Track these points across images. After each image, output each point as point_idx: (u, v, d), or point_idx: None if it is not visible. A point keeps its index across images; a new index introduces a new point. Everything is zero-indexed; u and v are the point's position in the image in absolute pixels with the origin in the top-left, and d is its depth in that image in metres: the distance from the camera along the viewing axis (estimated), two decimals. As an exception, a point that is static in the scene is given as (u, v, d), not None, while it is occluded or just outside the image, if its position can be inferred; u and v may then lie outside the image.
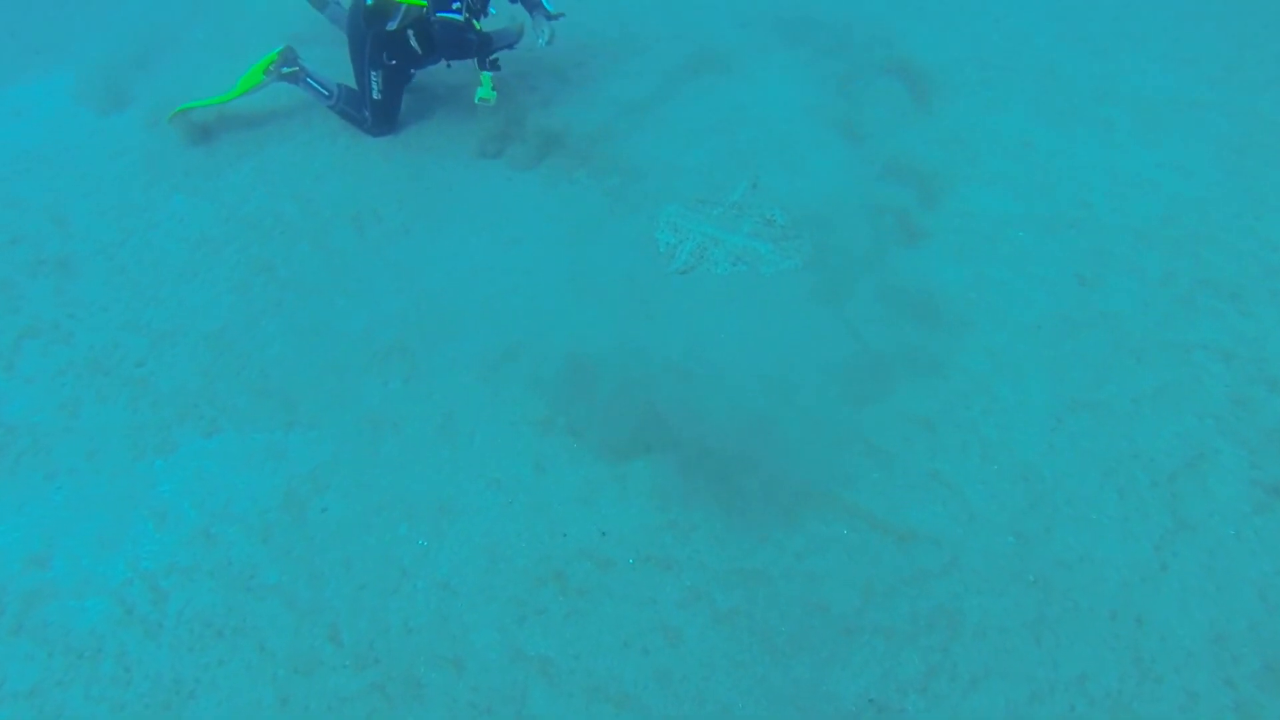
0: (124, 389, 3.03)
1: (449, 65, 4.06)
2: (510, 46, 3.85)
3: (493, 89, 3.82)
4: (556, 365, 3.01)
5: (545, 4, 3.89)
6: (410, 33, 3.81)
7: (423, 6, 3.63)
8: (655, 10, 4.91)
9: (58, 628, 2.43)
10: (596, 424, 2.83)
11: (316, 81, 3.97)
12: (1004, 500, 2.55)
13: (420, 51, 3.88)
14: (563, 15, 3.93)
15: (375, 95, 3.91)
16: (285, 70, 3.94)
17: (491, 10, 3.84)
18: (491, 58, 3.78)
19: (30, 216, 3.71)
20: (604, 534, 2.59)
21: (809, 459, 2.70)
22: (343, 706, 2.27)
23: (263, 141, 4.12)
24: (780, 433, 2.77)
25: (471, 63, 3.87)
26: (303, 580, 2.53)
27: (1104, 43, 4.38)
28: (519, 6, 3.96)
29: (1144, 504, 2.48)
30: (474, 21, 3.71)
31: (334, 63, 4.17)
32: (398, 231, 3.60)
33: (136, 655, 2.36)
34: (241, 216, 3.72)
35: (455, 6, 3.57)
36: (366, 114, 3.98)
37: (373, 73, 3.84)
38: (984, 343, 2.99)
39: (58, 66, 4.59)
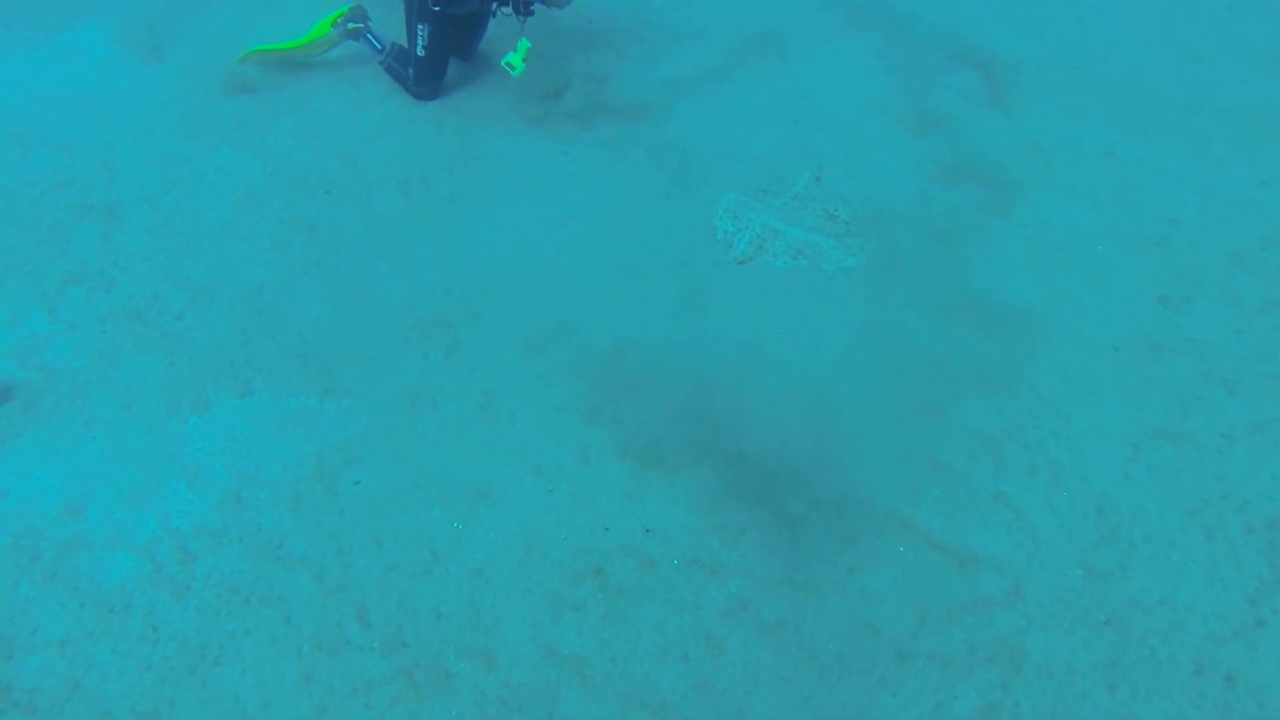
0: (162, 342, 2.95)
1: (494, 14, 3.91)
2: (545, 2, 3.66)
3: (524, 61, 3.68)
4: (604, 351, 2.89)
5: None
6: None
7: None
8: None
9: (89, 579, 2.37)
10: (645, 416, 2.70)
11: (375, 36, 3.92)
12: (1074, 530, 2.39)
13: (466, 31, 3.75)
14: None
15: (420, 52, 3.79)
16: (351, 25, 3.90)
17: None
18: (531, 5, 3.62)
19: (80, 161, 3.65)
20: (648, 531, 2.47)
21: (867, 469, 2.56)
22: (368, 690, 2.17)
23: (310, 97, 4.02)
24: (838, 439, 2.63)
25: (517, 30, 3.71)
26: (331, 555, 2.43)
27: (1198, 48, 4.12)
28: None
29: (1235, 550, 2.30)
30: None
31: (391, 24, 4.05)
32: (445, 200, 3.47)
33: (164, 616, 2.29)
34: (286, 173, 3.63)
35: None
36: (411, 71, 3.86)
37: (420, 26, 3.72)
38: (1056, 360, 2.81)
39: (103, 15, 4.50)
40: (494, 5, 3.78)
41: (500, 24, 4.07)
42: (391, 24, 4.00)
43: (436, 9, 3.65)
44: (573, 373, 2.83)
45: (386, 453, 2.69)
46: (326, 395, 2.85)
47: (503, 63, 3.71)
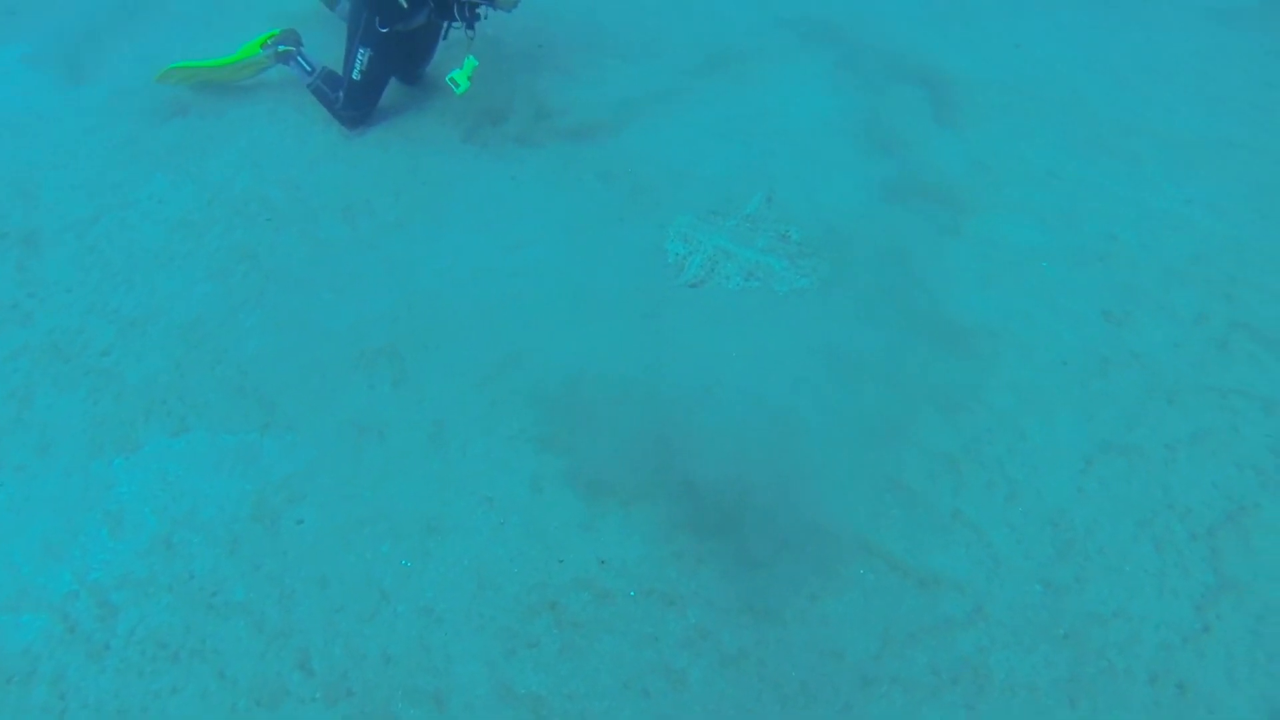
0: (85, 379, 2.79)
1: (445, 35, 3.87)
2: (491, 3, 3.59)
3: (469, 79, 3.62)
4: (557, 378, 2.82)
5: None
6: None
7: None
8: (670, 10, 4.78)
9: (-12, 646, 2.18)
10: (599, 445, 2.63)
11: (305, 60, 3.82)
12: (1031, 546, 2.39)
13: (407, 6, 3.64)
14: None
15: (355, 75, 3.68)
16: (282, 49, 3.78)
17: None
18: (476, 10, 3.56)
19: (-7, 186, 3.47)
20: (603, 563, 2.39)
21: (827, 493, 2.53)
22: (309, 745, 2.05)
23: (250, 123, 3.91)
24: (796, 464, 2.59)
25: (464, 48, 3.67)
26: (271, 600, 2.30)
27: (1128, 75, 4.29)
28: None
29: (1183, 558, 2.33)
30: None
31: (334, 48, 3.97)
32: (391, 226, 3.39)
33: (75, 680, 2.11)
34: (225, 200, 3.50)
35: None
36: (340, 95, 3.75)
37: (361, 49, 3.63)
38: (1010, 377, 2.84)
39: (20, 38, 4.34)
40: (444, 23, 3.73)
41: (446, 47, 4.04)
42: (334, 48, 3.92)
43: (384, 30, 3.57)
44: (525, 401, 2.75)
45: (331, 488, 2.57)
46: (267, 430, 2.72)
47: (447, 79, 3.64)
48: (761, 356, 2.91)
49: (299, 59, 3.81)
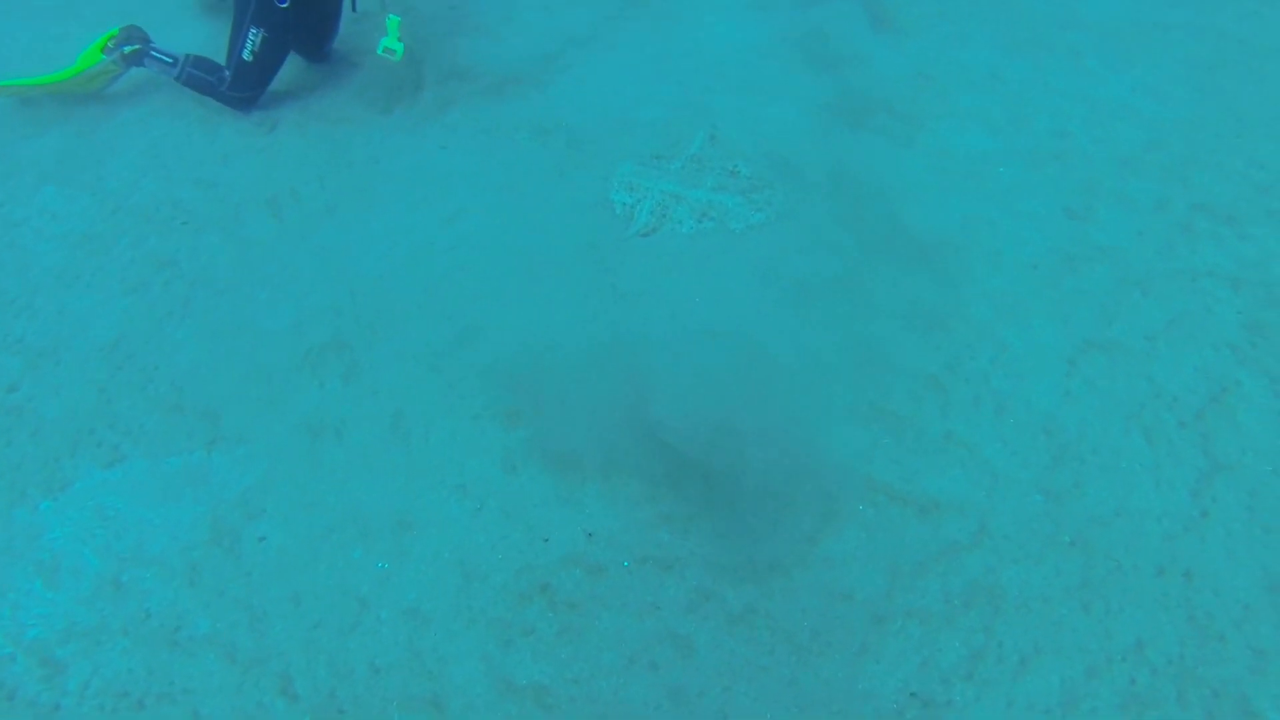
0: (-5, 420, 2.55)
1: (355, 9, 3.60)
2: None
3: (399, 39, 3.36)
4: (516, 349, 2.66)
5: None
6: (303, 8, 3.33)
7: None
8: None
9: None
10: (569, 412, 2.49)
11: (160, 53, 3.45)
12: (1026, 457, 2.33)
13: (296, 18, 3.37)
14: None
15: (245, 55, 3.36)
16: (126, 50, 3.40)
17: None
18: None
19: None
20: (591, 536, 2.27)
21: (813, 431, 2.43)
22: (304, 773, 1.91)
23: (150, 122, 3.58)
24: (777, 405, 2.49)
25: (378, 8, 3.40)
26: (242, 626, 2.13)
27: (1058, -33, 4.18)
28: None
29: (1174, 447, 2.29)
30: None
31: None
32: (321, 213, 3.15)
33: (29, 750, 1.94)
34: (132, 207, 3.21)
35: None
36: (226, 74, 3.40)
37: (253, 29, 3.31)
38: (982, 287, 2.76)
39: None
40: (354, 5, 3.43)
41: (356, 19, 3.76)
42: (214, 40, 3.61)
43: (284, 5, 3.27)
44: (485, 377, 2.59)
45: (292, 498, 2.39)
46: (214, 445, 2.52)
47: (379, 51, 3.36)
48: (726, 298, 2.78)
49: (153, 54, 3.43)
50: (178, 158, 3.44)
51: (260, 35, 3.32)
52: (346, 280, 2.91)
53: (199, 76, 3.45)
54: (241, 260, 3.02)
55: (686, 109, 3.54)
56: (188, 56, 3.45)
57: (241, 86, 3.45)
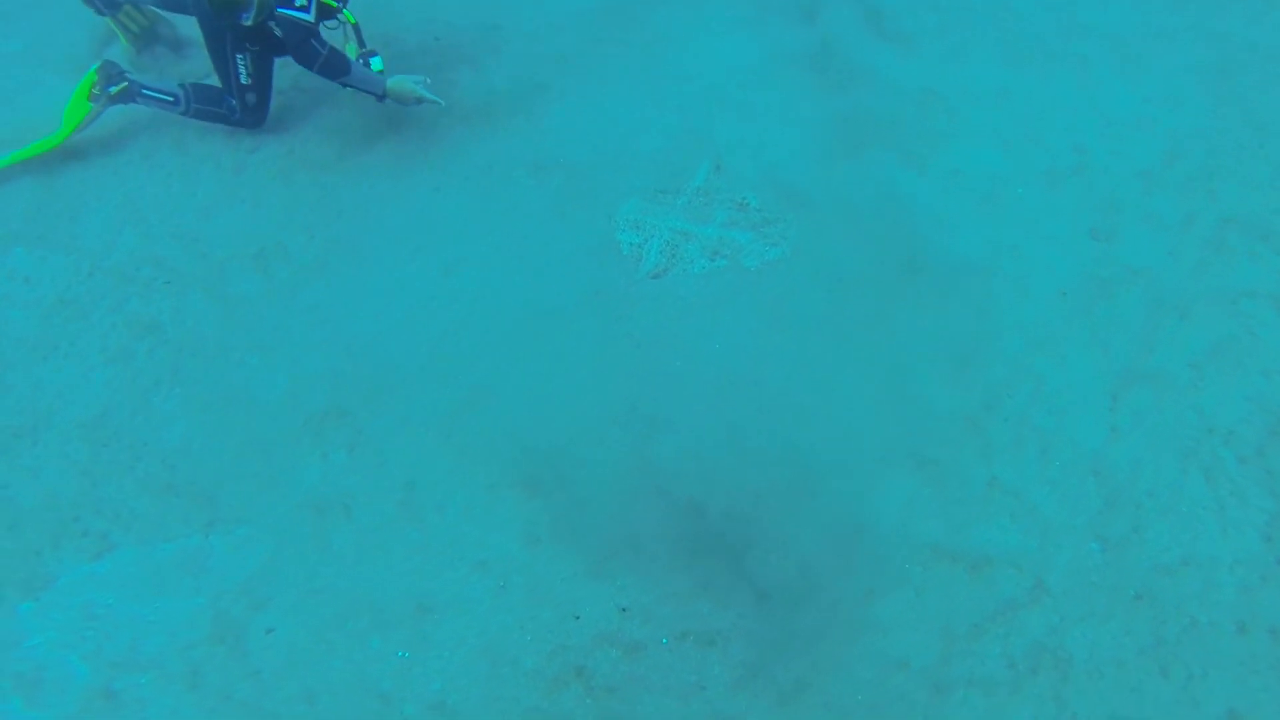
0: (-32, 514, 2.36)
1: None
2: (374, 95, 3.20)
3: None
4: (529, 410, 2.51)
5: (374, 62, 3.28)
6: (272, 24, 3.16)
7: None
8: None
9: None
10: (590, 478, 2.35)
11: (154, 90, 3.26)
12: (1077, 502, 2.22)
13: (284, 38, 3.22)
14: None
15: (243, 79, 3.20)
16: (112, 90, 3.22)
17: (343, 14, 3.19)
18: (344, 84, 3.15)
19: None
20: (624, 610, 2.13)
21: (848, 484, 2.31)
22: None
23: (124, 172, 3.39)
24: (808, 457, 2.36)
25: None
26: (253, 734, 1.97)
27: (1053, -28, 4.10)
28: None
29: (1237, 486, 2.18)
30: (323, 24, 3.10)
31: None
32: (312, 269, 2.98)
33: None
34: (109, 268, 3.03)
35: (299, 4, 2.92)
36: (233, 102, 3.27)
37: (238, 56, 3.16)
38: (1012, 318, 2.65)
39: None
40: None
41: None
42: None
43: (248, 22, 3.08)
44: (498, 443, 2.44)
45: (300, 583, 2.24)
46: (212, 528, 2.36)
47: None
48: (746, 342, 2.65)
49: (146, 92, 3.26)
50: (156, 210, 3.26)
51: (247, 57, 3.17)
52: (343, 341, 2.75)
53: (207, 110, 3.31)
54: (229, 322, 2.86)
55: (688, 137, 3.41)
56: (185, 89, 3.27)
57: (249, 110, 3.31)
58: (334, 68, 3.06)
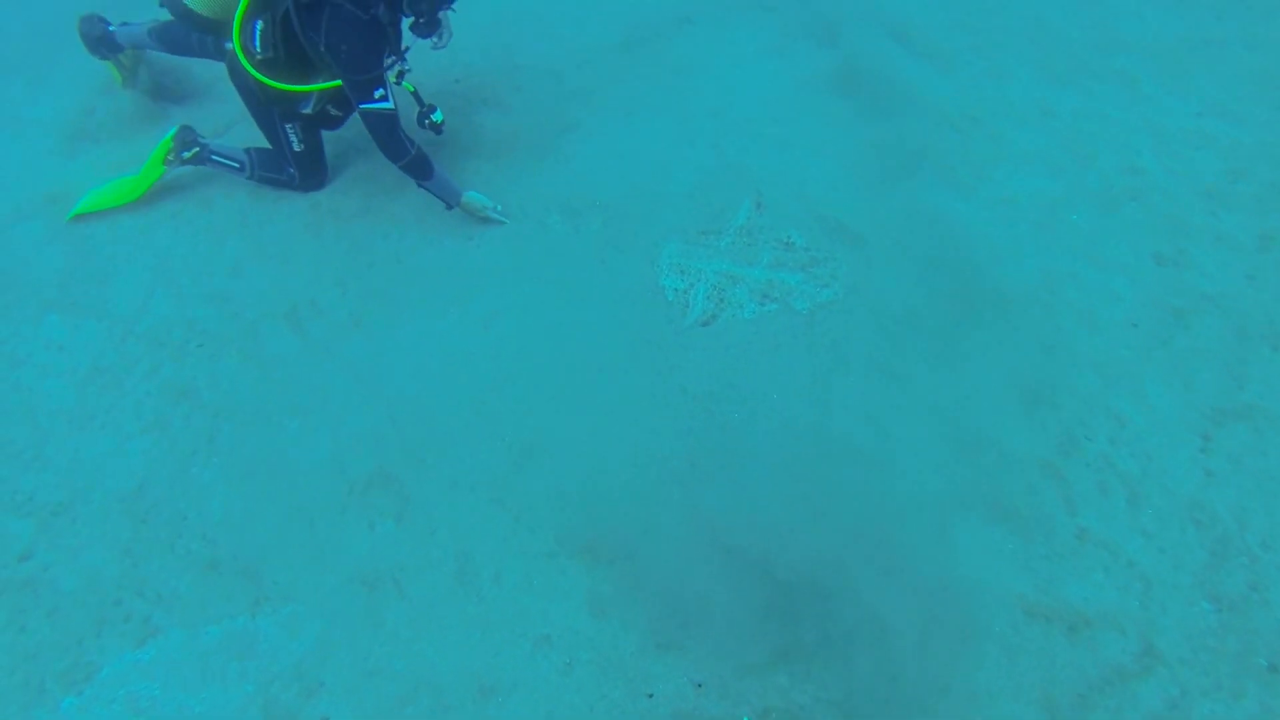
0: (2, 600, 2.26)
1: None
2: (445, 203, 3.19)
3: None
4: (584, 471, 2.40)
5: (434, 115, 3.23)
6: (329, 106, 3.16)
7: (339, 86, 2.95)
8: (583, 7, 4.29)
9: None
10: (654, 541, 2.23)
11: (222, 156, 3.30)
12: (1177, 555, 2.07)
13: (341, 114, 3.23)
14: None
15: (296, 148, 3.22)
16: (186, 155, 3.26)
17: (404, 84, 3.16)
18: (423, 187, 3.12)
19: None
20: (700, 687, 2.00)
21: (925, 540, 2.17)
22: None
23: (152, 233, 3.34)
24: (880, 512, 2.23)
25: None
26: (314, 838, 1.85)
27: (1084, -13, 4.01)
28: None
29: (1359, 531, 2.04)
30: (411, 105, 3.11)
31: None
32: (347, 325, 2.90)
33: None
34: (142, 333, 2.96)
35: (378, 94, 2.87)
36: (292, 171, 3.30)
37: (287, 125, 3.16)
38: (1082, 354, 2.52)
39: None
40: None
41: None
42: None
43: (307, 110, 3.08)
44: (554, 507, 2.33)
45: (353, 665, 2.12)
46: (259, 607, 2.25)
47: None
48: (805, 389, 2.54)
49: (215, 157, 3.30)
50: (186, 271, 3.19)
51: (296, 125, 3.15)
52: (384, 401, 2.66)
53: (271, 178, 3.35)
54: (265, 385, 2.77)
55: (724, 173, 3.32)
56: (250, 155, 3.30)
57: (309, 175, 3.34)
58: (419, 170, 3.06)
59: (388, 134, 2.95)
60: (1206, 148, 3.06)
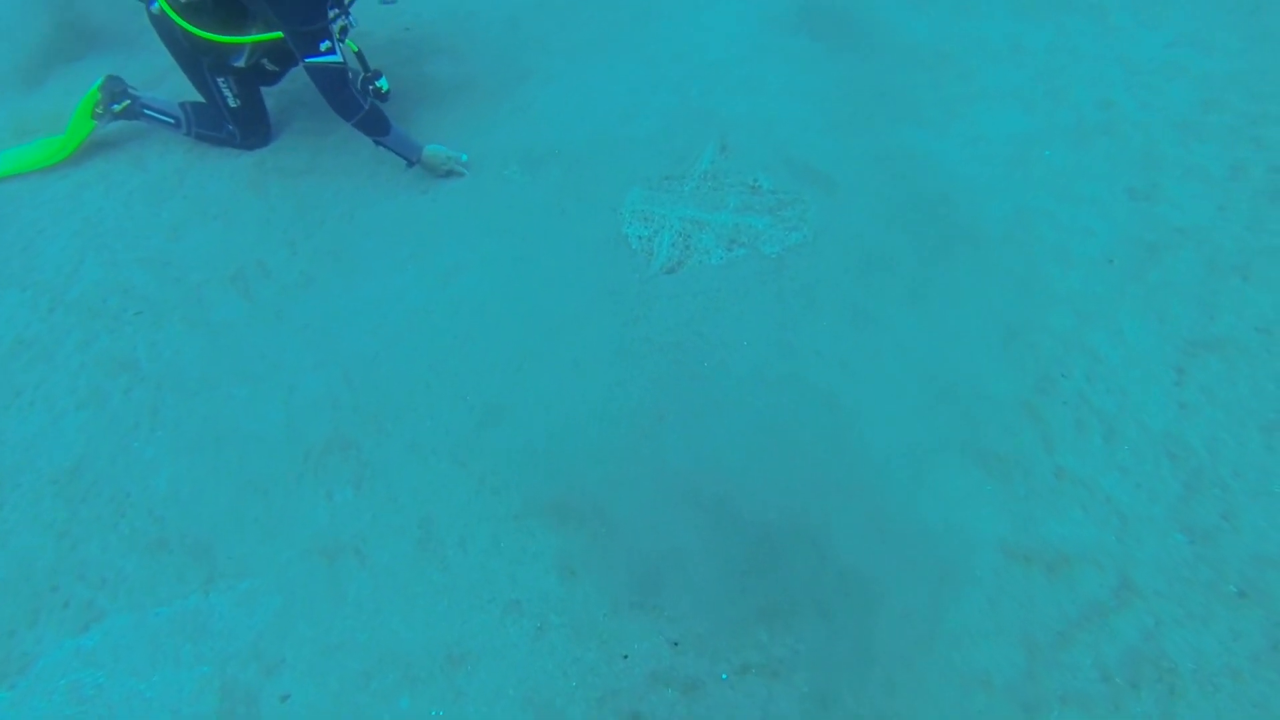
0: (-66, 594, 2.13)
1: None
2: (405, 160, 3.01)
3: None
4: (548, 428, 2.30)
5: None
6: (264, 60, 2.93)
7: (277, 39, 2.74)
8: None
9: None
10: (623, 498, 2.15)
11: (156, 110, 3.08)
12: (1154, 489, 2.05)
13: (279, 69, 3.01)
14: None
15: (232, 103, 3.01)
16: (116, 108, 3.03)
17: (346, 43, 2.95)
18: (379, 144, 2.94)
19: None
20: (677, 645, 1.94)
21: (904, 485, 2.12)
22: None
23: (79, 195, 3.13)
24: (855, 459, 2.18)
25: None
26: (278, 819, 1.78)
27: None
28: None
29: (1331, 461, 2.03)
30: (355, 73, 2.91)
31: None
32: (297, 286, 2.75)
33: None
34: (72, 302, 2.78)
35: (324, 47, 2.66)
36: (231, 128, 3.10)
37: (219, 80, 2.94)
38: (1057, 291, 2.47)
39: None
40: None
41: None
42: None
43: (239, 64, 2.86)
44: (519, 467, 2.23)
45: (315, 640, 2.03)
46: (211, 585, 2.14)
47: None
48: (776, 335, 2.45)
49: (147, 111, 3.07)
50: (119, 235, 3.00)
51: (229, 79, 2.93)
52: (338, 363, 2.52)
53: (208, 135, 3.15)
54: (212, 352, 2.62)
55: (688, 117, 3.19)
56: (186, 111, 3.09)
57: (250, 132, 3.14)
58: (374, 126, 2.86)
59: (337, 90, 2.76)
60: (1178, 79, 3.00)
